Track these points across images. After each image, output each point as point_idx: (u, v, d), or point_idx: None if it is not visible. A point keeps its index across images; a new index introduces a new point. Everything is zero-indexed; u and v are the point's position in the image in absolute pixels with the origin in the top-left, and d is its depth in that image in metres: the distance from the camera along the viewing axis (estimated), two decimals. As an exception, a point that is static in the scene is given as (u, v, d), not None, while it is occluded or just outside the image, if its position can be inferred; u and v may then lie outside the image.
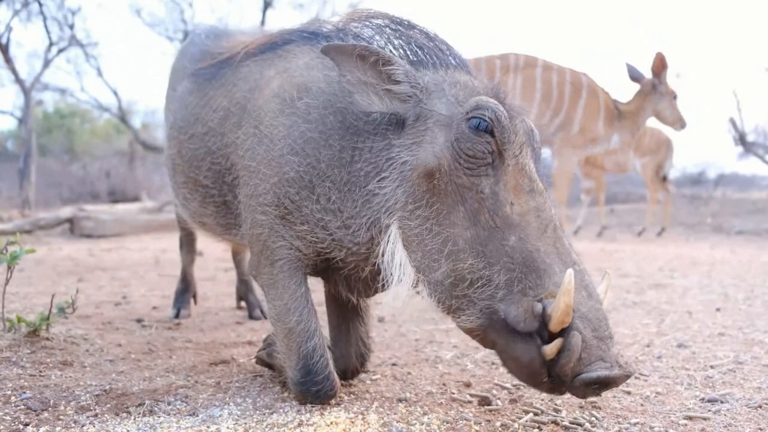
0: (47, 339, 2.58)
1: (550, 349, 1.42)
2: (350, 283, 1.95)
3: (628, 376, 1.44)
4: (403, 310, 3.65)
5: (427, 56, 1.81)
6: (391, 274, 1.66)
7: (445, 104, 1.68)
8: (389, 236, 1.67)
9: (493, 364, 2.49)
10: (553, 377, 1.46)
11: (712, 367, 2.42)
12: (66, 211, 9.17)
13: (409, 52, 1.82)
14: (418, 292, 1.66)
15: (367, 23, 1.91)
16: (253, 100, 2.01)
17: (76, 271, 5.34)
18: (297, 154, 1.81)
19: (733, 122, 14.98)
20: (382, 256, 1.68)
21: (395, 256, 1.65)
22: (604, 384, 1.43)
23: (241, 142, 1.99)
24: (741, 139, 15.03)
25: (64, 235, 8.80)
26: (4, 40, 12.56)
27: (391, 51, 1.82)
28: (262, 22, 15.23)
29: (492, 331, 1.52)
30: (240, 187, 2.02)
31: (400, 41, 1.84)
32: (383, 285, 1.77)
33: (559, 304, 1.40)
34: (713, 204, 13.43)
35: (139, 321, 3.27)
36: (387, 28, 1.87)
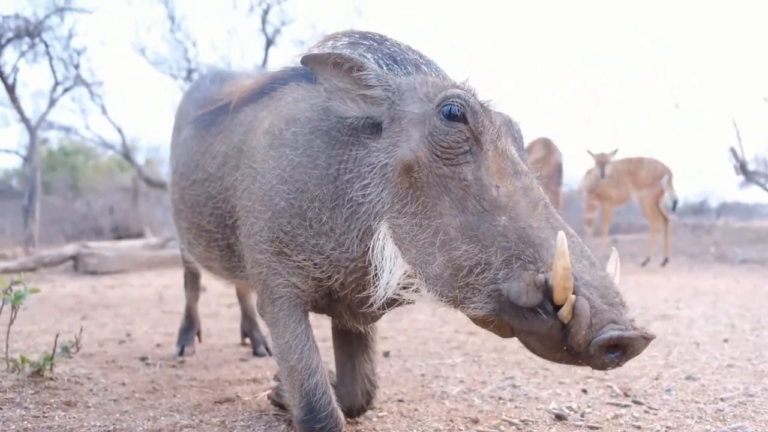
0: (51, 379, 2.57)
1: (566, 310, 1.36)
2: (353, 309, 1.95)
3: (646, 339, 1.36)
4: (408, 345, 3.63)
5: (400, 64, 1.85)
6: (383, 267, 1.64)
7: (417, 103, 1.70)
8: (378, 234, 1.66)
9: (500, 399, 2.47)
10: (569, 350, 1.39)
11: (722, 399, 2.39)
12: (70, 249, 9.17)
13: (381, 63, 1.86)
14: (417, 290, 1.62)
15: (342, 41, 1.96)
16: (248, 142, 2.06)
17: (80, 309, 5.32)
18: (286, 182, 1.83)
19: (733, 151, 15.05)
20: (372, 251, 1.67)
21: (385, 249, 1.64)
22: (620, 347, 1.36)
23: (239, 183, 2.03)
24: (742, 168, 15.06)
25: (68, 272, 8.79)
26: (10, 81, 12.74)
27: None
28: (265, 60, 15.43)
29: (505, 314, 1.47)
30: (239, 228, 2.05)
31: (373, 54, 1.88)
32: (384, 302, 1.75)
33: (557, 269, 1.36)
34: (716, 233, 13.39)
35: (142, 359, 3.25)
36: (360, 45, 1.91)
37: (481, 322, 1.56)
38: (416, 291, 1.63)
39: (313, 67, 1.79)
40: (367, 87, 1.75)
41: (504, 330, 1.53)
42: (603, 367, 1.40)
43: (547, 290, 1.39)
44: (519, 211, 1.52)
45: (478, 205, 1.54)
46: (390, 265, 1.64)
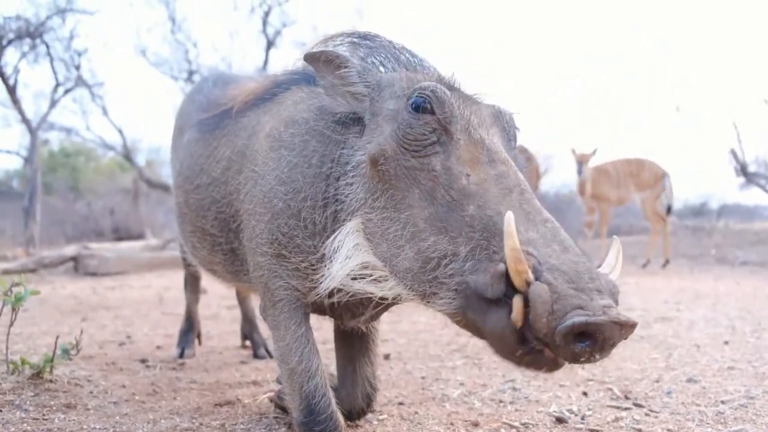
0: (51, 381, 2.56)
1: (515, 309, 1.26)
2: (353, 310, 1.95)
3: (619, 324, 1.22)
4: (408, 347, 3.63)
5: (388, 61, 1.86)
6: (336, 258, 1.65)
7: (393, 99, 1.70)
8: (344, 228, 1.66)
9: (500, 402, 2.46)
10: (537, 343, 1.29)
11: (723, 402, 2.39)
12: (70, 250, 9.17)
13: (377, 61, 1.87)
14: (381, 281, 1.60)
15: (338, 41, 1.97)
16: (251, 146, 2.07)
17: (80, 310, 5.32)
18: (284, 183, 1.85)
19: (734, 153, 15.04)
20: (334, 239, 1.67)
21: (345, 242, 1.64)
22: (589, 335, 1.23)
23: (242, 187, 2.04)
24: (742, 170, 15.06)
25: (68, 274, 8.78)
26: (11, 82, 12.75)
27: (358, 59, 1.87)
28: (266, 61, 15.45)
29: (470, 311, 1.38)
30: (243, 232, 2.05)
31: (366, 52, 1.89)
32: (377, 305, 1.77)
33: (506, 251, 1.28)
34: (716, 235, 13.38)
35: (143, 361, 3.25)
36: (355, 44, 1.92)
37: (451, 317, 1.48)
38: (374, 283, 1.62)
39: (310, 64, 1.83)
40: (350, 83, 1.77)
41: (471, 327, 1.44)
42: (575, 359, 1.27)
43: (508, 279, 1.30)
44: (488, 198, 1.46)
45: (446, 195, 1.49)
46: (343, 257, 1.64)
